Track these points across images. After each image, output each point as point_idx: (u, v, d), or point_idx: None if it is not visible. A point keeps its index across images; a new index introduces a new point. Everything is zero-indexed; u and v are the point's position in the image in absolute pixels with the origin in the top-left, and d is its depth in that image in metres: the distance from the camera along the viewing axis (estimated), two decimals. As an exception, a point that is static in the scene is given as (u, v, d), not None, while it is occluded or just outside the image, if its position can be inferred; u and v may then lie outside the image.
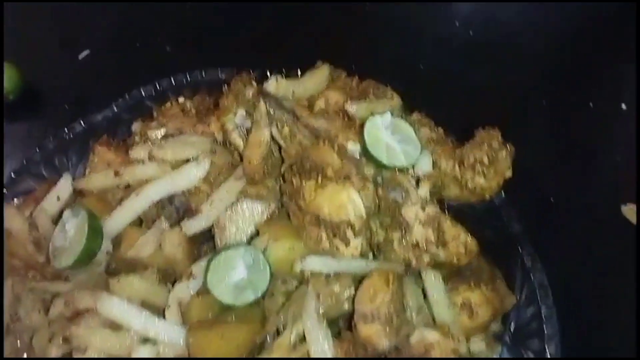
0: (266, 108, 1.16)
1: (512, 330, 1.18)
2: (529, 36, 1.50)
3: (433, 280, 1.08)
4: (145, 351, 0.99)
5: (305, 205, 1.06)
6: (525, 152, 1.15)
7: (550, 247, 1.22)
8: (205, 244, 1.18)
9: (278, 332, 1.07)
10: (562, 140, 1.39)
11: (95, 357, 1.00)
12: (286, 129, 1.15)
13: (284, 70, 1.29)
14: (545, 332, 1.12)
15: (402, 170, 1.10)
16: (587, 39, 1.45)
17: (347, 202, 1.02)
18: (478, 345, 1.10)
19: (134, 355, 0.99)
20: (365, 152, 1.06)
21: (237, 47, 1.51)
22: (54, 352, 1.01)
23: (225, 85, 1.26)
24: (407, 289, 1.09)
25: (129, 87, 1.36)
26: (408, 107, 1.20)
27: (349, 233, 1.03)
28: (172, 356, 1.00)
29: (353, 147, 1.09)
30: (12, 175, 1.27)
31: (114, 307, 1.00)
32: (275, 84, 1.20)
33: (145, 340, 1.00)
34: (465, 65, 1.48)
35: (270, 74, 1.25)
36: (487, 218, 1.20)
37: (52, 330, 1.06)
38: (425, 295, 1.11)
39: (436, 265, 1.10)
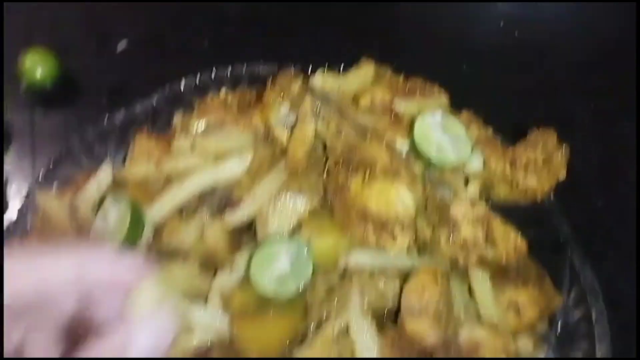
0: (312, 103, 1.14)
1: (558, 331, 1.15)
2: (577, 37, 1.47)
3: (480, 279, 1.06)
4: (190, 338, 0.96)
5: (351, 201, 1.04)
6: (573, 155, 1.13)
7: (598, 252, 1.19)
8: (245, 234, 1.17)
9: (319, 325, 1.05)
10: (609, 144, 1.35)
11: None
12: (332, 125, 1.13)
13: (326, 66, 1.27)
14: (596, 333, 1.09)
15: (451, 168, 1.07)
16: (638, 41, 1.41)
17: (395, 198, 1.00)
18: (525, 344, 1.07)
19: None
20: (414, 149, 1.05)
21: (278, 43, 1.50)
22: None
23: (270, 79, 1.24)
24: (454, 287, 1.07)
25: (168, 79, 1.34)
26: (455, 106, 1.18)
27: (397, 229, 1.01)
28: (215, 344, 0.98)
29: (401, 145, 1.07)
30: (51, 163, 1.25)
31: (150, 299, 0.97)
32: (321, 80, 1.19)
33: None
34: (509, 66, 1.45)
35: (313, 70, 1.23)
36: (535, 219, 1.17)
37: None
38: (471, 295, 1.08)
39: (483, 264, 1.07)
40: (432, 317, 0.97)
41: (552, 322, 1.16)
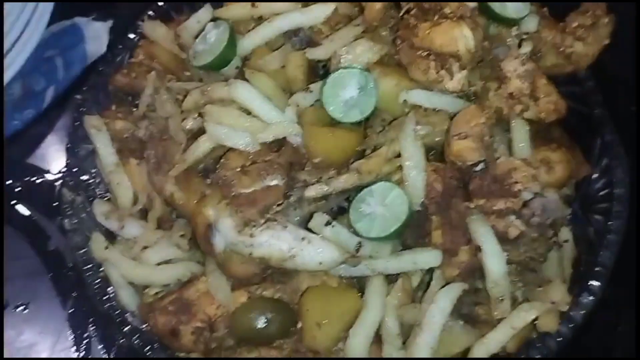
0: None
1: (582, 197, 1.28)
2: None
3: (520, 127, 1.20)
4: (268, 134, 1.13)
5: (419, 41, 1.20)
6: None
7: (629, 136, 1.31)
8: (318, 77, 1.34)
9: (374, 149, 1.21)
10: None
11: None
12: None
13: None
14: (615, 194, 1.21)
15: (508, 25, 1.22)
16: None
17: (459, 36, 1.15)
18: (552, 195, 1.19)
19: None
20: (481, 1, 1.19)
21: None
22: (190, 124, 1.18)
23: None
24: (496, 133, 1.21)
25: None
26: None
27: (455, 66, 1.17)
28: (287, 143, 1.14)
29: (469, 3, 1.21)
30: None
31: (247, 92, 1.16)
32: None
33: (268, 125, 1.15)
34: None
35: None
36: (574, 100, 1.30)
37: (184, 116, 1.23)
38: (510, 149, 1.22)
39: (525, 118, 1.22)
40: (476, 139, 1.12)
41: (578, 188, 1.30)
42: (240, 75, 1.30)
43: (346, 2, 1.35)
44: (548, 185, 1.21)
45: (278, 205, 1.10)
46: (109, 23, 1.61)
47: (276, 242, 1.07)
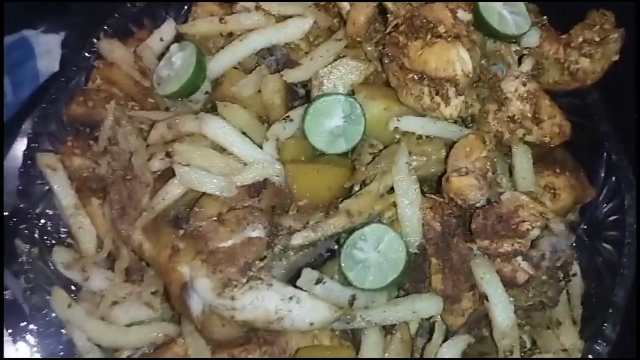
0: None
1: (588, 222, 1.19)
2: None
3: (522, 154, 1.09)
4: (246, 176, 1.01)
5: (409, 62, 1.07)
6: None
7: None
8: (298, 100, 1.21)
9: (364, 184, 1.09)
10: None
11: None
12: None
13: None
14: (627, 222, 1.12)
15: (507, 43, 1.11)
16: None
17: (455, 58, 1.03)
18: (558, 225, 1.10)
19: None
20: (478, 16, 1.07)
21: None
22: (156, 165, 1.05)
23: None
24: (497, 161, 1.10)
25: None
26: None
27: (452, 92, 1.05)
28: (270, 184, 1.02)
29: (463, 15, 1.09)
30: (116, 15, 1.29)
31: (220, 128, 1.03)
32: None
33: (245, 164, 1.03)
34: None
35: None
36: (576, 114, 1.20)
37: (150, 152, 1.09)
38: (510, 174, 1.12)
39: (527, 142, 1.11)
40: (478, 175, 1.01)
41: (583, 213, 1.21)
42: (211, 102, 1.17)
43: (323, 13, 1.22)
44: (553, 214, 1.11)
45: (261, 260, 0.97)
46: (61, 35, 1.45)
47: (261, 303, 0.96)
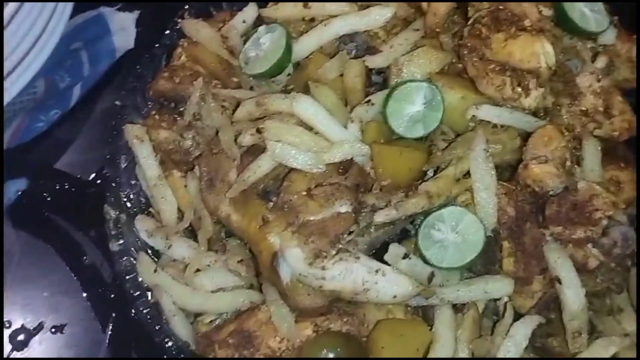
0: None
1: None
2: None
3: (593, 147, 1.13)
4: (335, 155, 1.05)
5: (491, 54, 1.12)
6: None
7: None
8: (373, 86, 1.26)
9: (438, 169, 1.14)
10: None
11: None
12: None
13: None
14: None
15: (584, 39, 1.15)
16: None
17: (540, 51, 1.08)
18: (621, 217, 1.14)
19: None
20: (560, 12, 1.12)
21: None
22: (247, 140, 1.09)
23: None
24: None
25: None
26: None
27: (533, 83, 1.09)
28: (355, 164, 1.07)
29: (546, 11, 1.14)
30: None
31: (311, 108, 1.07)
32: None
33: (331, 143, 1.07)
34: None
35: None
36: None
37: (236, 128, 1.14)
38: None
39: (597, 135, 1.16)
40: (557, 164, 1.06)
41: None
42: (294, 83, 1.22)
43: (402, 3, 1.27)
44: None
45: (349, 234, 1.02)
46: (135, 14, 1.49)
47: (349, 274, 1.00)
